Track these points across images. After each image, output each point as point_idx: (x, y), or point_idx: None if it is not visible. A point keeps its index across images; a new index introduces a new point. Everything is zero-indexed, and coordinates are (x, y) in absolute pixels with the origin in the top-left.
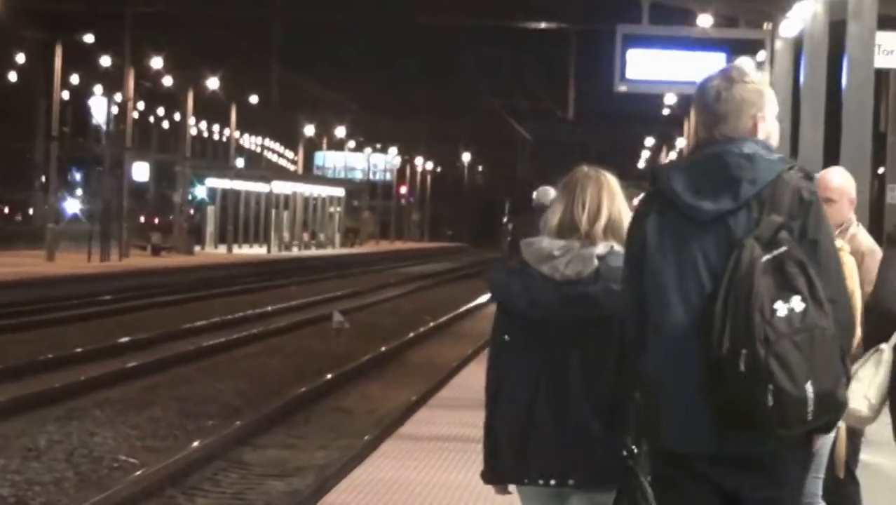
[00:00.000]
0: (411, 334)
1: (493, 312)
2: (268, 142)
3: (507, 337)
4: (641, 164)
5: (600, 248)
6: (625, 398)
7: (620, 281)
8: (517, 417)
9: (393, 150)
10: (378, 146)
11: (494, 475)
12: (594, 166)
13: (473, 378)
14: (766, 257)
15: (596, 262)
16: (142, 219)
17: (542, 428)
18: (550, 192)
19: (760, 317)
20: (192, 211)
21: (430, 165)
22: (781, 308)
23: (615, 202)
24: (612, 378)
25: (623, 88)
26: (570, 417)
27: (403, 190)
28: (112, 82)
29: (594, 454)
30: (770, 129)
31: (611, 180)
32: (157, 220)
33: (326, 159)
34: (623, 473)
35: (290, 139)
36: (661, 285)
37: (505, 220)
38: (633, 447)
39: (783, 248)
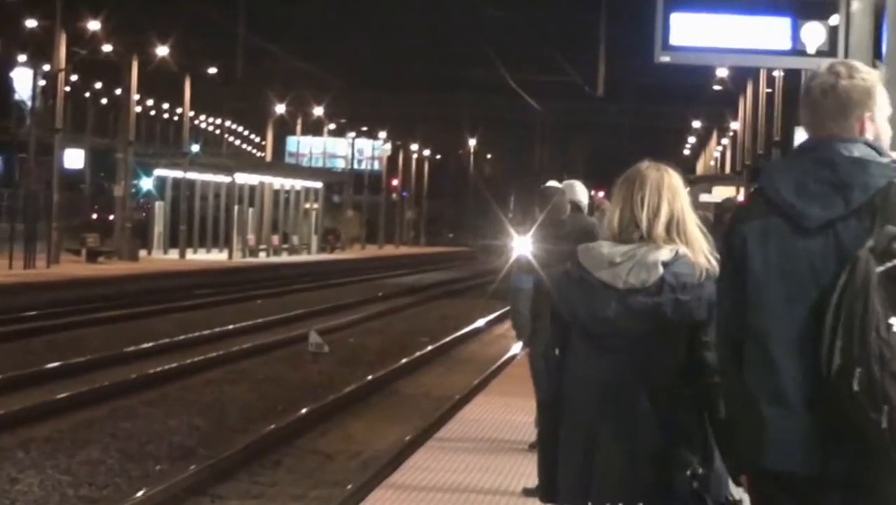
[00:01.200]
0: (404, 360)
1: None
2: (229, 123)
3: (562, 350)
4: (686, 152)
5: (665, 254)
6: (693, 415)
7: (691, 289)
8: (579, 437)
9: (382, 133)
10: (364, 129)
11: (552, 494)
12: (654, 162)
13: (480, 414)
14: (879, 269)
15: (661, 269)
16: (95, 216)
17: (607, 448)
18: (577, 187)
19: (876, 334)
20: (142, 208)
21: (427, 153)
22: None
23: (677, 199)
24: (678, 394)
25: (666, 59)
26: (636, 437)
27: (395, 182)
28: (39, 49)
29: (665, 476)
30: (879, 129)
31: (673, 176)
32: (94, 219)
33: (301, 145)
34: (689, 496)
35: (256, 120)
36: (764, 295)
37: (510, 216)
38: (700, 469)
39: None
